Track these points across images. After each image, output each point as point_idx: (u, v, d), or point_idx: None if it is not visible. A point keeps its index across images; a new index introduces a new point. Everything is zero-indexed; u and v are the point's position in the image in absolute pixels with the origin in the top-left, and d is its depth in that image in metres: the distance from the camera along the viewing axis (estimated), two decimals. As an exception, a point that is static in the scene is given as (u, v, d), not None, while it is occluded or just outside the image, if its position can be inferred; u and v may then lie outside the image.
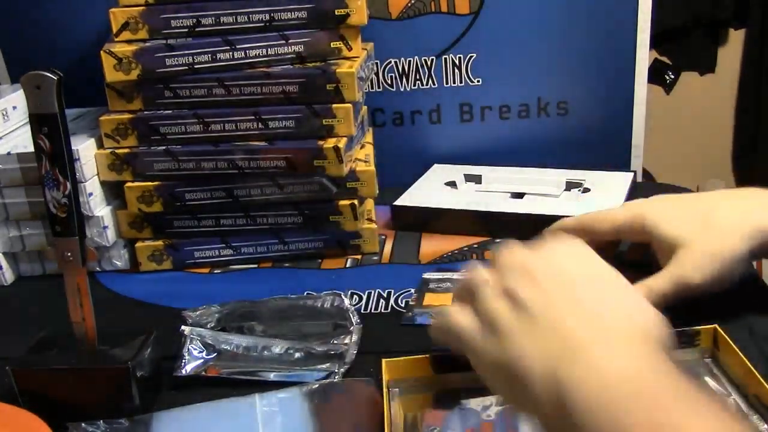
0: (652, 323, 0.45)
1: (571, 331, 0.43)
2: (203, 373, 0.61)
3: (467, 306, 0.49)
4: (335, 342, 0.63)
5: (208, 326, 0.66)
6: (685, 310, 0.57)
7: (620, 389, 0.39)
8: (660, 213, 0.64)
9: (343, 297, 0.69)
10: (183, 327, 0.64)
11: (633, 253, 0.71)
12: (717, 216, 0.62)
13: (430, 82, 0.98)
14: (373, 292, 0.75)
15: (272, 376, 0.61)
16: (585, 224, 0.68)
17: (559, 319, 0.44)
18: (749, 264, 0.63)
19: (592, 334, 0.43)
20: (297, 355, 0.62)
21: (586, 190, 0.90)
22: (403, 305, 0.73)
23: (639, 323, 0.45)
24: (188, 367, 0.61)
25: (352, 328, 0.65)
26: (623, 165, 1.01)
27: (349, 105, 0.78)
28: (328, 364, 0.61)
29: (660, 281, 0.60)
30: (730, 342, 0.56)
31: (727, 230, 0.61)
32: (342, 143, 0.78)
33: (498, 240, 0.85)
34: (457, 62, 0.97)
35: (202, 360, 0.62)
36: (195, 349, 0.62)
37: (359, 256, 0.84)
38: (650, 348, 0.42)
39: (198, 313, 0.68)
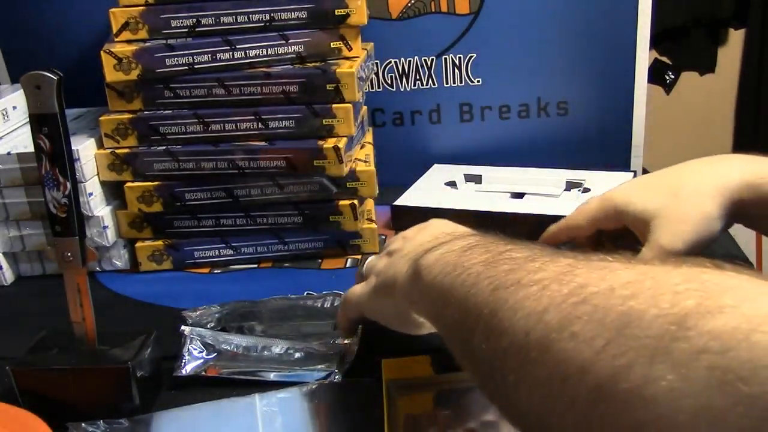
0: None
1: (422, 243, 0.54)
2: (203, 373, 0.61)
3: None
4: (335, 342, 0.63)
5: (208, 326, 0.66)
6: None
7: (459, 250, 0.47)
8: (628, 192, 0.66)
9: (333, 298, 0.69)
10: (183, 327, 0.64)
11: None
12: (683, 183, 0.64)
13: (430, 82, 0.98)
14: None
15: (272, 376, 0.61)
16: (564, 225, 0.70)
17: (415, 241, 0.56)
18: (726, 224, 0.64)
19: (436, 239, 0.53)
20: (297, 355, 0.62)
21: (586, 190, 0.90)
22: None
23: (471, 232, 0.54)
24: (188, 367, 0.61)
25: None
26: (623, 165, 1.01)
27: (349, 105, 0.78)
28: (327, 364, 0.61)
29: (645, 255, 0.62)
30: None
31: (695, 193, 0.63)
32: (342, 143, 0.78)
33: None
34: (457, 62, 0.97)
35: (202, 360, 0.62)
36: (195, 349, 0.62)
37: (359, 256, 0.84)
38: (481, 237, 0.50)
39: (198, 313, 0.68)
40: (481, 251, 0.45)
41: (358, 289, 0.61)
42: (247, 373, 0.61)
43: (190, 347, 0.62)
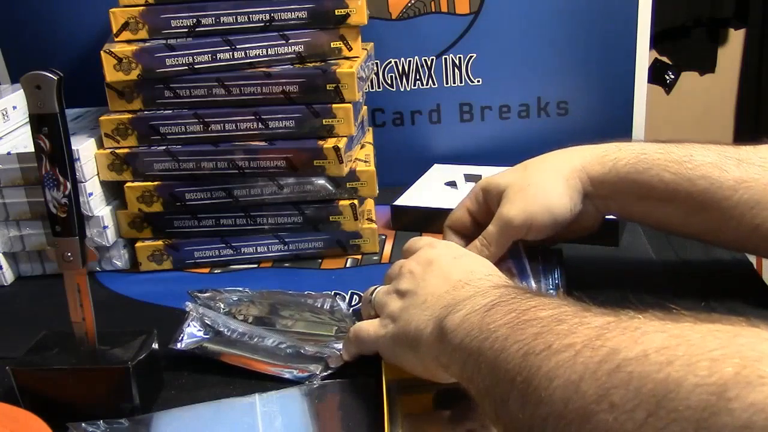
0: (496, 276, 0.54)
1: (442, 293, 0.53)
2: (195, 351, 0.62)
3: (370, 318, 0.60)
4: (327, 346, 0.63)
5: (214, 308, 0.67)
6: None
7: (477, 312, 0.47)
8: (491, 176, 0.70)
9: (338, 300, 0.69)
10: (187, 303, 0.65)
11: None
12: (536, 163, 0.68)
13: (430, 82, 0.98)
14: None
15: (256, 366, 0.62)
16: (449, 223, 0.73)
17: (433, 288, 0.54)
18: (581, 205, 0.66)
19: (457, 289, 0.52)
20: (288, 351, 0.62)
21: (586, 190, 0.90)
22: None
23: (486, 277, 0.54)
24: (184, 343, 0.62)
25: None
26: (623, 165, 1.01)
27: (349, 105, 0.78)
28: (314, 366, 0.61)
29: (489, 227, 0.67)
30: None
31: (541, 170, 0.67)
32: (342, 143, 0.78)
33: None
34: (457, 62, 0.97)
35: (198, 338, 0.63)
36: (195, 327, 0.64)
37: (359, 256, 0.84)
38: (501, 290, 0.50)
39: (207, 294, 0.69)
40: (504, 311, 0.45)
41: (372, 330, 0.58)
42: (236, 358, 0.62)
43: (191, 324, 0.64)
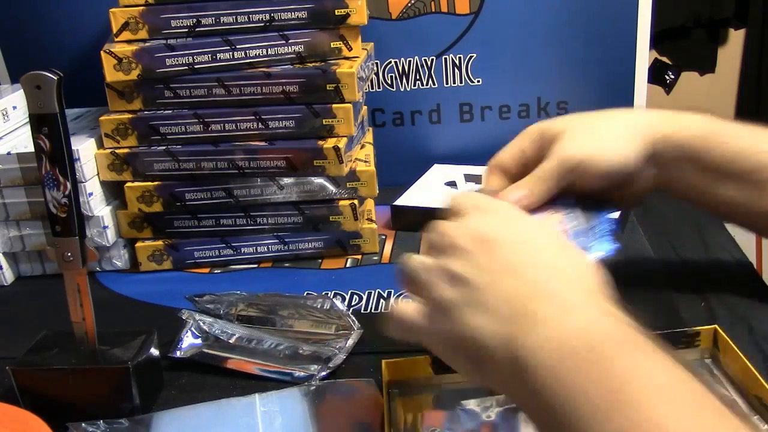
0: (587, 272, 0.45)
1: (515, 297, 0.43)
2: (195, 358, 0.63)
3: (413, 296, 0.49)
4: (327, 345, 0.63)
5: (213, 313, 0.68)
6: (685, 309, 0.57)
7: (573, 347, 0.39)
8: (553, 119, 0.64)
9: (335, 301, 0.70)
10: (183, 311, 0.65)
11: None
12: (601, 113, 0.64)
13: (430, 82, 0.98)
14: (373, 292, 0.75)
15: (255, 369, 0.62)
16: (495, 162, 0.64)
17: (499, 286, 0.44)
18: (644, 168, 0.62)
19: (537, 297, 0.43)
20: (286, 352, 0.62)
21: (586, 190, 0.90)
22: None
23: (576, 276, 0.45)
24: (183, 350, 0.63)
25: (352, 332, 0.65)
26: (623, 165, 1.01)
27: (349, 105, 0.78)
28: (314, 366, 0.61)
29: (544, 163, 0.59)
30: (730, 342, 0.56)
31: (609, 117, 0.63)
32: (342, 143, 0.78)
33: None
34: (457, 62, 0.97)
35: (197, 344, 0.63)
36: (192, 334, 0.64)
37: (359, 256, 0.84)
38: (593, 299, 0.43)
39: (205, 298, 0.69)
40: (604, 367, 0.38)
41: (416, 316, 0.47)
42: (236, 362, 0.63)
43: (188, 331, 0.64)
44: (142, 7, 0.77)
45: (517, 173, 0.62)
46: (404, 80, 0.98)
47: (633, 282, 0.71)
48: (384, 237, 0.87)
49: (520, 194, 0.58)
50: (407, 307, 0.48)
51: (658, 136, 0.61)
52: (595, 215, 0.59)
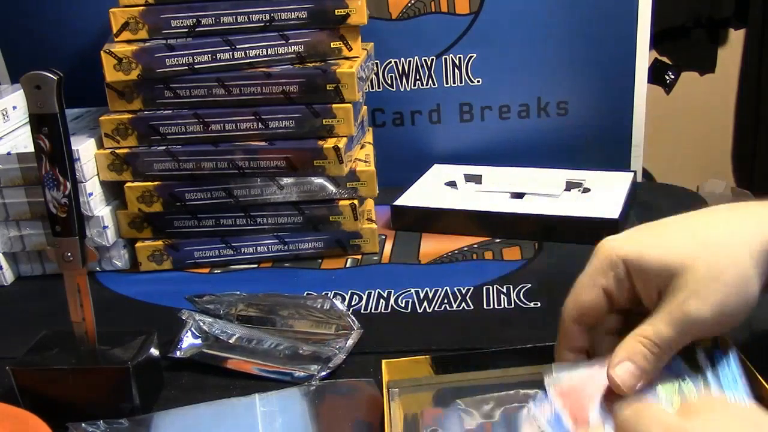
0: None
1: None
2: (194, 358, 0.63)
3: None
4: (327, 345, 0.63)
5: (213, 313, 0.68)
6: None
7: None
8: (640, 243, 0.49)
9: (335, 301, 0.70)
10: (183, 311, 0.65)
11: None
12: (715, 232, 0.48)
13: (430, 82, 0.98)
14: (373, 292, 0.75)
15: (255, 369, 0.62)
16: (577, 312, 0.50)
17: None
18: (763, 287, 0.48)
19: None
20: (286, 352, 0.62)
21: (586, 190, 0.90)
22: (402, 305, 0.72)
23: None
24: (183, 350, 0.63)
25: (352, 332, 0.65)
26: (623, 165, 1.01)
27: (349, 105, 0.78)
28: (314, 367, 0.61)
29: (659, 326, 0.46)
30: (730, 342, 0.56)
31: (730, 245, 0.47)
32: (342, 143, 0.78)
33: (498, 239, 0.85)
34: (457, 62, 0.97)
35: (197, 344, 0.63)
36: (192, 334, 0.64)
37: (359, 256, 0.84)
38: None
39: (205, 298, 0.69)
40: None
41: None
42: (235, 362, 0.63)
43: (188, 331, 0.64)
44: (142, 7, 0.77)
45: (602, 321, 0.50)
46: (404, 80, 0.98)
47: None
48: (384, 237, 0.87)
49: (637, 374, 0.46)
50: None
51: None
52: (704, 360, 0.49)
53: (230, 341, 0.64)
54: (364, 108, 0.91)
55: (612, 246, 0.49)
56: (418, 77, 0.98)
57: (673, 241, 0.48)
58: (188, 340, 0.64)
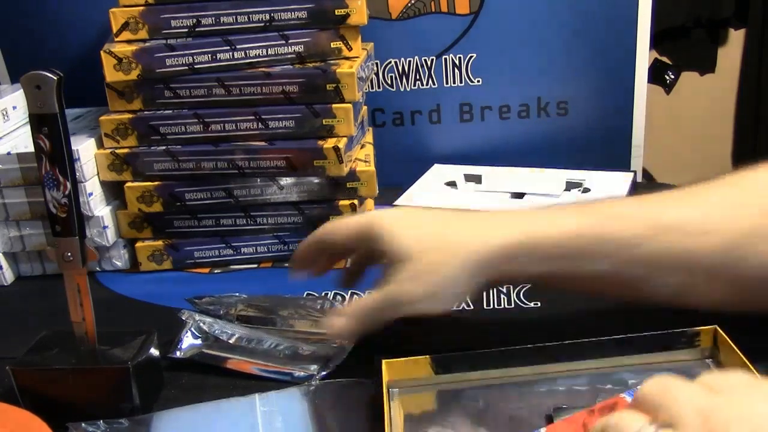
0: None
1: None
2: (195, 358, 0.63)
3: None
4: (327, 345, 0.63)
5: (213, 314, 0.68)
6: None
7: None
8: (398, 224, 0.59)
9: (334, 301, 0.70)
10: (183, 311, 0.65)
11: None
12: (449, 232, 0.58)
13: (430, 82, 0.98)
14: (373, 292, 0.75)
15: (255, 369, 0.62)
16: (319, 236, 0.63)
17: None
18: (480, 287, 0.58)
19: None
20: (286, 352, 0.63)
21: (586, 190, 0.90)
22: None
23: None
24: (183, 351, 0.63)
25: None
26: (623, 165, 1.01)
27: (349, 105, 0.78)
28: (314, 367, 0.61)
29: (373, 296, 0.58)
30: (730, 342, 0.56)
31: (454, 246, 0.57)
32: (342, 143, 0.78)
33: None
34: (457, 62, 0.97)
35: (197, 344, 0.63)
36: (192, 334, 0.64)
37: (359, 256, 0.83)
38: None
39: (204, 300, 0.69)
40: None
41: None
42: (235, 363, 0.63)
43: (188, 331, 0.64)
44: (142, 7, 0.77)
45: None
46: (404, 80, 0.98)
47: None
48: (384, 237, 0.87)
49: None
50: None
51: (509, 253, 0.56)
52: None
53: (230, 341, 0.64)
54: (364, 108, 0.91)
55: (379, 217, 0.60)
56: (418, 77, 0.98)
57: (417, 234, 0.58)
58: (188, 341, 0.64)
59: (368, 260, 0.65)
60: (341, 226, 0.62)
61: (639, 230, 0.55)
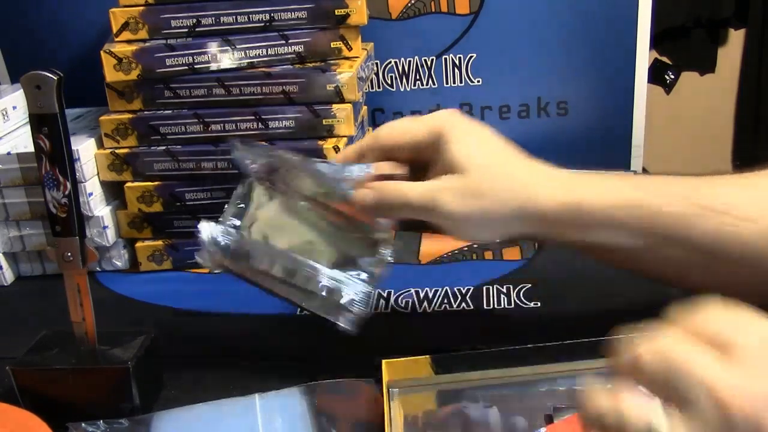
0: None
1: None
2: (217, 269, 0.59)
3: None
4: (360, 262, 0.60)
5: (254, 168, 0.62)
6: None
7: None
8: (462, 136, 0.59)
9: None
10: (200, 225, 0.60)
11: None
12: (513, 170, 0.58)
13: (430, 82, 0.98)
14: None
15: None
16: (382, 142, 0.60)
17: None
18: (515, 236, 0.59)
19: None
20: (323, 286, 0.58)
21: (586, 190, 0.90)
22: (403, 305, 0.72)
23: None
24: (206, 259, 0.59)
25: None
26: (623, 165, 1.01)
27: (349, 105, 0.78)
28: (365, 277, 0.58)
29: (415, 189, 0.57)
30: None
31: (513, 185, 0.57)
32: (342, 143, 0.78)
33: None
34: (457, 62, 0.97)
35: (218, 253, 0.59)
36: (211, 246, 0.59)
37: (359, 256, 0.83)
38: None
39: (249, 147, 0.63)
40: None
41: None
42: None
43: (212, 238, 0.59)
44: (142, 7, 0.77)
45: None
46: (404, 80, 0.98)
47: (626, 275, 0.70)
48: (384, 237, 0.87)
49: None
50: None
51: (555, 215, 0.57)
52: None
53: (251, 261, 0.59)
54: (364, 108, 0.91)
55: (442, 126, 0.59)
56: (418, 77, 0.98)
57: (485, 153, 0.59)
58: (209, 252, 0.59)
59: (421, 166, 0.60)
60: (408, 132, 0.59)
61: (690, 209, 0.54)
